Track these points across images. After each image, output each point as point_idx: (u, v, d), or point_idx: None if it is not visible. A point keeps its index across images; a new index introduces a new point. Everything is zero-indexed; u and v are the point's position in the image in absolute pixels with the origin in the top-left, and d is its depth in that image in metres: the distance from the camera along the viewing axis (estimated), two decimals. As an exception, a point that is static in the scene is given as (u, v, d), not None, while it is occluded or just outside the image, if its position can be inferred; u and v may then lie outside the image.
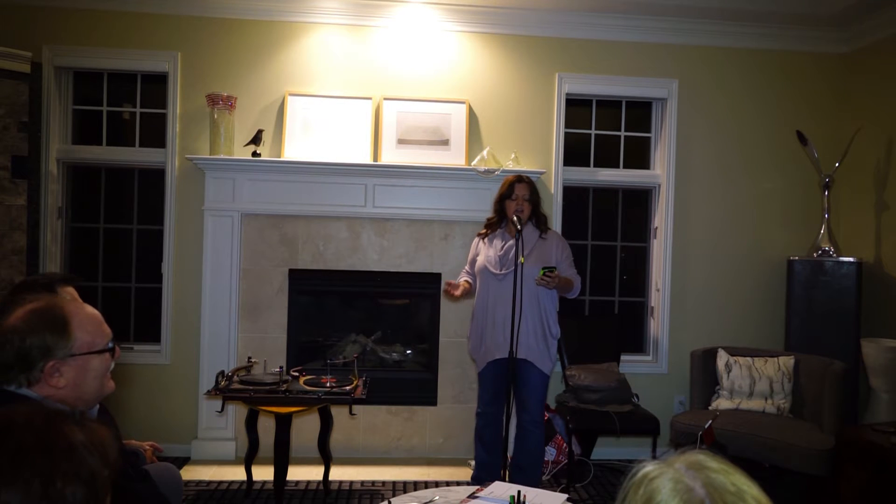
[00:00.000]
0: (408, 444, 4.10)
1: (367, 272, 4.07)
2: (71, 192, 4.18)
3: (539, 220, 3.34)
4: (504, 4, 4.01)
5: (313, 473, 3.72)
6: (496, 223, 3.38)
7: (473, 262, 3.43)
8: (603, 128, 4.41)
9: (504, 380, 3.26)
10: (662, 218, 4.30)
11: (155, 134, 4.14)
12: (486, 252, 3.34)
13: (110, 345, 1.56)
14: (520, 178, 3.33)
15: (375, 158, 4.03)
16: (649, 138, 4.42)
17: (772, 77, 4.31)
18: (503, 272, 3.23)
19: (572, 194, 4.35)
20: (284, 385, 3.18)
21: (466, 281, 3.37)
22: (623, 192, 4.46)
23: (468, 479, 3.49)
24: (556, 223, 4.17)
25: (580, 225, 4.44)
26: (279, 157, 3.99)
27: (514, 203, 3.26)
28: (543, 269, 3.08)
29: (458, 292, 3.26)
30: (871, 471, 3.00)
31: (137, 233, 4.23)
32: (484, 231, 3.43)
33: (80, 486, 0.88)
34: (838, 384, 3.50)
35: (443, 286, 3.42)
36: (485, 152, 3.97)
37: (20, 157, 3.66)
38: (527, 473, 3.26)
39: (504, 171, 3.87)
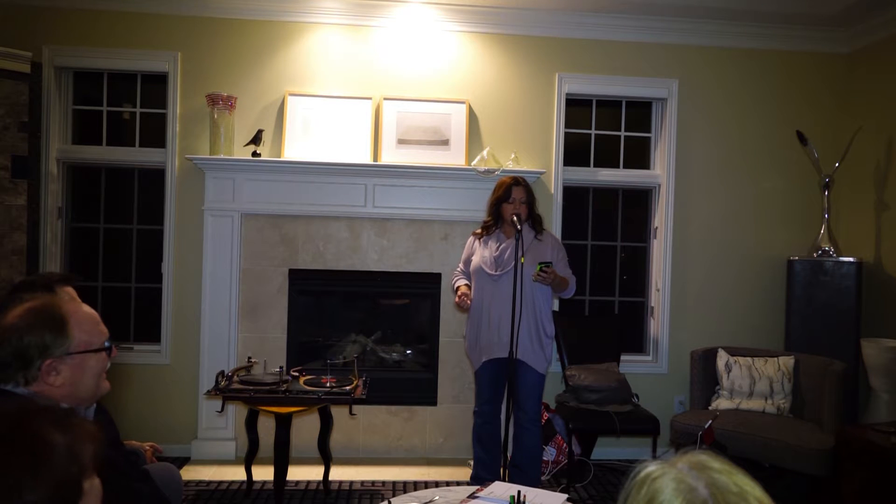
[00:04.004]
0: (408, 444, 4.09)
1: (367, 272, 4.07)
2: (71, 192, 4.17)
3: (535, 221, 3.33)
4: (504, 4, 4.01)
5: (313, 473, 3.72)
6: (492, 225, 3.37)
7: (468, 261, 3.43)
8: (603, 128, 4.41)
9: (501, 379, 3.27)
10: (662, 218, 4.30)
11: (155, 134, 4.13)
12: (481, 252, 3.33)
13: (107, 344, 1.56)
14: (517, 181, 3.30)
15: (375, 158, 4.03)
16: (649, 138, 4.42)
17: (772, 77, 4.31)
18: (498, 273, 3.23)
19: (572, 194, 4.35)
20: (284, 385, 3.18)
21: (466, 285, 3.37)
22: (623, 192, 4.46)
23: (468, 478, 3.49)
24: (555, 223, 4.17)
25: (580, 225, 4.43)
26: (279, 157, 3.99)
27: (512, 206, 3.25)
28: (540, 264, 3.08)
29: (469, 301, 3.28)
30: (871, 471, 2.99)
31: (137, 233, 4.22)
32: (480, 231, 3.43)
33: (44, 490, 0.86)
34: (838, 384, 3.50)
35: (454, 299, 3.40)
36: (485, 152, 3.97)
37: (20, 157, 3.66)
38: (525, 472, 3.26)
39: (504, 171, 3.86)
